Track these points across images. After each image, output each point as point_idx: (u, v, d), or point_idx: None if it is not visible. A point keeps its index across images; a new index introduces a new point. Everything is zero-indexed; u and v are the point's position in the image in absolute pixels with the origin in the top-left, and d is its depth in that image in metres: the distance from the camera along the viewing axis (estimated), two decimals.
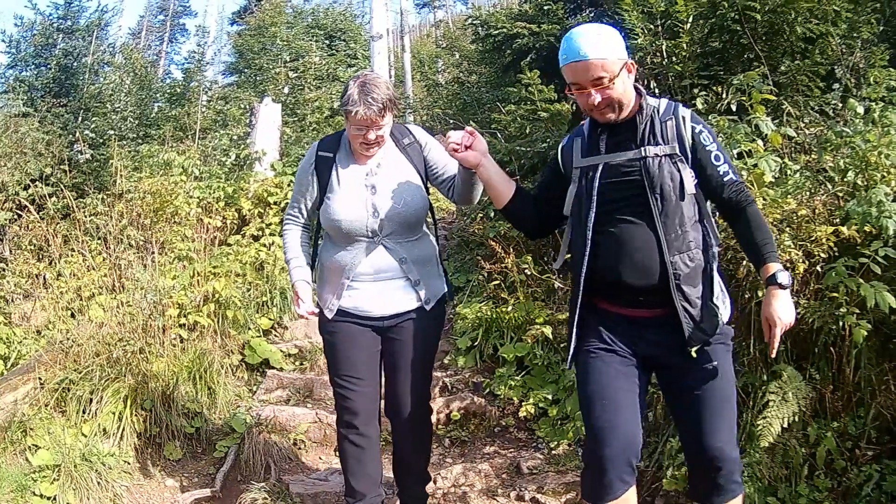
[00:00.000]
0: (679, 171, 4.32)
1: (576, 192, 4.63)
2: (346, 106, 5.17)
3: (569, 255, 4.92)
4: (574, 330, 4.68)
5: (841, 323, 5.70)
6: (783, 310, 4.21)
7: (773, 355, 4.33)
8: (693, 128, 4.41)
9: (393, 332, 5.65)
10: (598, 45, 4.23)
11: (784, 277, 4.22)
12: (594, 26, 4.37)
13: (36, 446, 7.05)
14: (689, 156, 4.39)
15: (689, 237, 4.33)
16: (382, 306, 5.56)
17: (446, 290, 5.92)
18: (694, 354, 4.39)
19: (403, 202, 5.46)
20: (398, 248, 5.52)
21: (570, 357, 4.76)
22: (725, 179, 4.38)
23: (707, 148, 4.39)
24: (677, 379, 4.55)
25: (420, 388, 5.90)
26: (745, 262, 5.96)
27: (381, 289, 5.54)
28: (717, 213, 4.74)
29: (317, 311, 5.59)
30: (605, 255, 4.46)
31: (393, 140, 5.63)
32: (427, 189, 5.72)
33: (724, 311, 4.46)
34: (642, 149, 4.38)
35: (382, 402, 5.99)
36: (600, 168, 4.48)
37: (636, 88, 4.48)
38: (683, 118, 4.42)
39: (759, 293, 5.87)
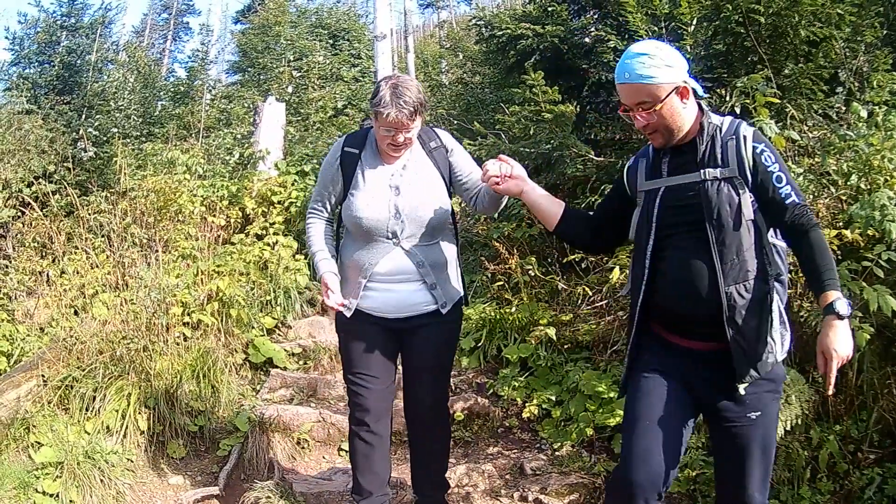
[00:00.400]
0: (738, 195, 4.19)
1: (638, 217, 4.60)
2: (378, 107, 5.17)
3: None
4: (629, 355, 4.66)
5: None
6: (841, 341, 3.98)
7: (830, 392, 4.16)
8: (754, 147, 4.23)
9: (411, 334, 5.66)
10: (645, 66, 4.16)
11: (843, 307, 3.98)
12: (651, 45, 4.28)
13: (39, 443, 7.05)
14: (750, 178, 4.22)
15: (746, 266, 4.19)
16: (399, 308, 5.56)
17: (463, 293, 5.91)
18: (742, 391, 4.25)
19: (426, 206, 5.47)
20: (417, 251, 5.52)
21: (622, 382, 4.73)
22: (788, 202, 4.15)
23: (769, 169, 4.19)
24: (722, 422, 4.44)
25: (438, 391, 5.95)
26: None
27: (398, 291, 5.54)
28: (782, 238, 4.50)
29: (347, 302, 5.54)
30: (663, 282, 4.42)
31: (419, 143, 5.63)
32: (450, 194, 5.72)
33: (781, 346, 4.32)
34: (702, 171, 4.27)
35: (399, 402, 6.03)
36: (661, 192, 4.42)
37: (699, 107, 4.39)
38: (745, 137, 4.26)
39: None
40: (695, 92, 4.30)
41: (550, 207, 4.96)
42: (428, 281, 5.56)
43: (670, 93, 4.17)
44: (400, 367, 5.97)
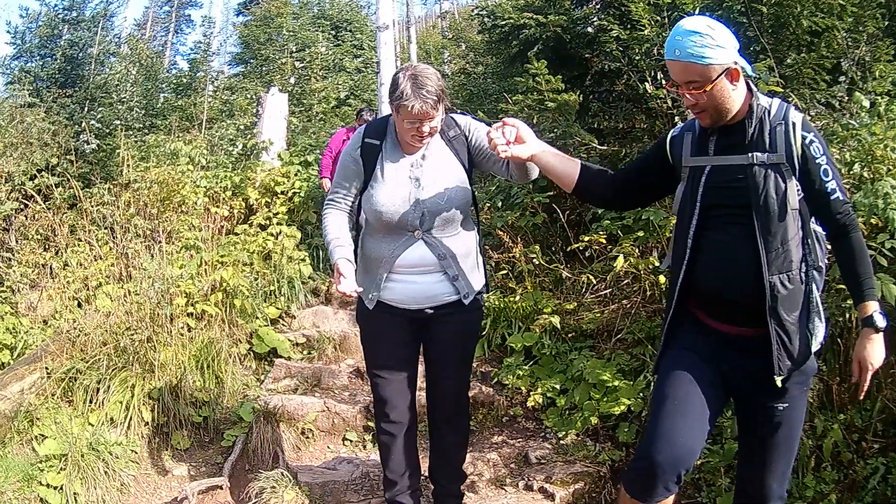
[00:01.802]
0: (785, 183, 4.08)
1: (682, 192, 4.49)
2: (401, 101, 5.08)
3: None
4: (664, 334, 4.60)
5: (847, 315, 5.72)
6: (876, 353, 4.03)
7: (861, 397, 4.23)
8: (804, 136, 4.10)
9: (432, 325, 5.64)
10: (697, 46, 4.03)
11: (880, 320, 3.98)
12: (703, 22, 4.10)
13: (43, 436, 7.06)
14: (797, 166, 4.11)
15: (791, 256, 4.09)
16: (420, 300, 5.53)
17: (485, 282, 5.88)
18: (779, 383, 4.14)
19: (446, 198, 5.42)
20: (438, 243, 5.48)
21: (657, 360, 4.67)
22: (833, 198, 4.05)
23: (817, 161, 4.07)
24: (750, 410, 4.43)
25: (459, 382, 5.93)
26: None
27: (420, 282, 5.51)
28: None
29: (360, 290, 5.42)
30: (704, 264, 4.34)
31: (438, 132, 5.56)
32: (471, 182, 5.65)
33: (818, 338, 4.26)
34: (750, 155, 4.15)
35: (420, 392, 6.00)
36: (707, 171, 4.32)
37: (748, 88, 4.25)
38: (794, 124, 4.13)
39: None
40: (745, 72, 4.20)
41: (566, 167, 4.80)
42: (450, 272, 5.53)
43: (721, 73, 4.06)
44: (421, 358, 5.95)
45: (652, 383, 5.74)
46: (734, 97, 4.17)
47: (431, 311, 5.57)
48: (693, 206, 4.31)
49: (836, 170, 4.09)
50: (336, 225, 5.60)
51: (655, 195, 5.19)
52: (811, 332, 4.18)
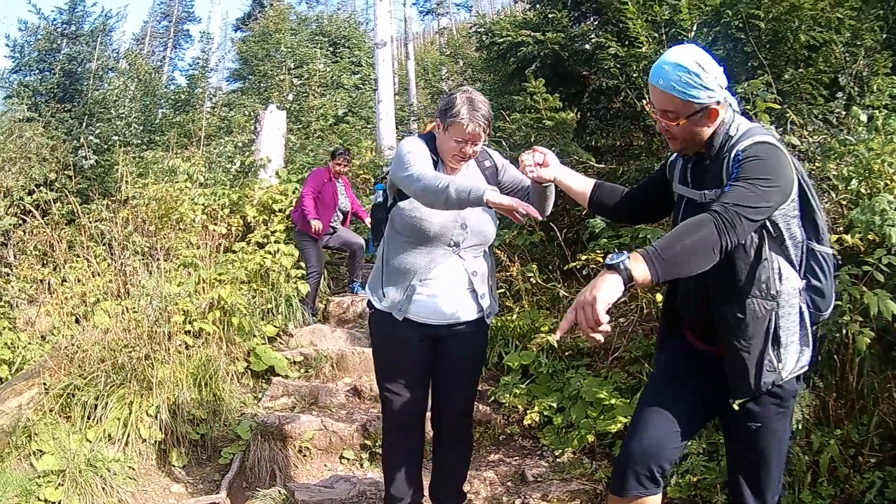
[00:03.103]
0: None
1: (672, 217, 4.62)
2: (456, 118, 5.22)
3: None
4: (656, 348, 4.79)
5: (844, 331, 5.72)
6: (590, 285, 3.57)
7: (557, 336, 3.96)
8: (735, 156, 3.99)
9: (447, 341, 5.68)
10: (681, 82, 4.01)
11: (611, 258, 3.62)
12: (693, 58, 4.04)
13: (41, 451, 7.07)
14: None
15: (740, 287, 4.06)
16: (445, 315, 5.58)
17: (497, 305, 6.00)
18: (735, 407, 4.21)
19: (487, 221, 5.59)
20: (472, 260, 5.59)
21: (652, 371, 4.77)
22: (719, 199, 3.82)
23: (733, 169, 3.95)
24: (726, 425, 4.52)
25: (468, 399, 5.99)
26: None
27: (448, 297, 5.57)
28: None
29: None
30: (680, 288, 4.51)
31: (475, 160, 5.70)
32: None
33: (790, 365, 4.16)
34: (702, 193, 4.22)
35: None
36: (684, 200, 4.43)
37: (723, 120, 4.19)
38: (737, 155, 3.98)
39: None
40: (729, 106, 4.19)
41: (583, 186, 5.04)
42: (478, 290, 5.64)
43: (698, 111, 4.07)
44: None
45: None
46: (706, 131, 4.20)
47: (449, 329, 5.63)
48: None
49: (758, 175, 3.87)
50: (436, 173, 5.17)
51: (662, 213, 5.22)
52: (779, 358, 4.12)
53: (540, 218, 4.97)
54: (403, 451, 5.84)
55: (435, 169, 5.43)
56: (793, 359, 4.14)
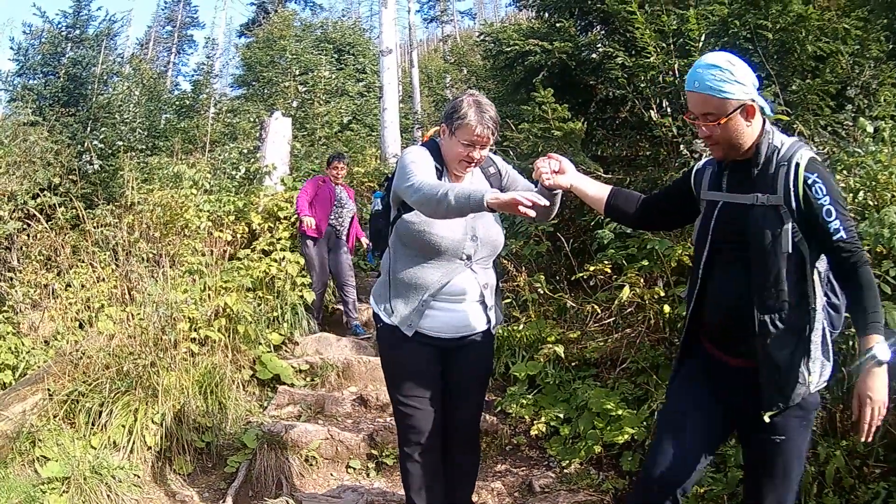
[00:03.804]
0: (780, 225, 4.11)
1: (699, 225, 4.62)
2: (463, 121, 5.20)
3: None
4: (675, 361, 4.74)
5: (851, 342, 5.71)
6: (878, 388, 3.92)
7: (864, 439, 4.03)
8: (806, 177, 4.09)
9: (456, 353, 5.66)
10: (716, 79, 4.13)
11: (883, 353, 3.89)
12: (724, 58, 4.23)
13: (45, 458, 7.04)
14: (796, 208, 4.11)
15: (784, 296, 4.11)
16: (458, 329, 5.55)
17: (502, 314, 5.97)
18: (767, 419, 4.20)
19: (496, 230, 5.56)
20: (483, 273, 5.57)
21: (668, 386, 4.79)
22: (836, 238, 4.03)
23: (819, 201, 4.05)
24: (748, 439, 4.49)
25: (477, 409, 5.99)
26: None
27: (460, 311, 5.53)
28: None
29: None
30: (709, 296, 4.46)
31: (479, 168, 5.66)
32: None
33: (816, 378, 4.24)
34: (754, 195, 4.22)
35: None
36: (719, 206, 4.43)
37: (763, 125, 4.31)
38: (797, 165, 4.14)
39: None
40: (762, 110, 4.26)
41: (597, 192, 5.07)
42: (488, 302, 5.62)
43: (736, 109, 4.15)
44: None
45: (656, 412, 5.79)
46: (748, 133, 4.24)
47: (458, 341, 5.60)
48: (705, 240, 4.42)
49: (842, 207, 4.08)
50: (437, 181, 5.17)
51: (677, 221, 5.34)
52: (809, 371, 4.18)
53: (545, 203, 4.90)
54: (426, 463, 5.77)
55: (439, 178, 5.41)
56: (818, 372, 4.19)
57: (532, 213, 4.60)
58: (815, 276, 4.20)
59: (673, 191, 4.99)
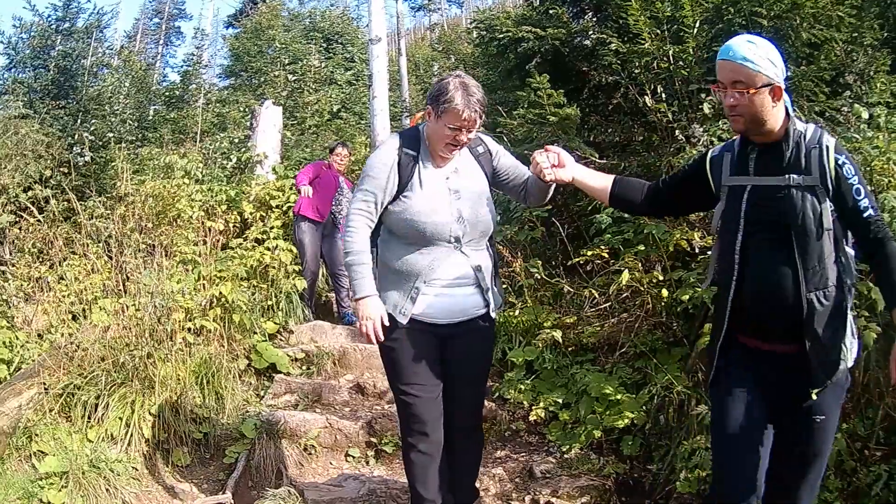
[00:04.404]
0: (820, 204, 4.19)
1: (723, 211, 4.59)
2: (450, 104, 5.18)
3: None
4: (716, 358, 4.65)
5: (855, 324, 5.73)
6: None
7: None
8: (836, 159, 4.23)
9: (456, 339, 5.62)
10: (751, 52, 4.19)
11: None
12: (761, 39, 4.31)
13: (42, 452, 7.02)
14: (831, 188, 4.22)
15: (827, 273, 4.20)
16: (454, 314, 5.52)
17: (502, 298, 5.94)
18: (814, 397, 4.25)
19: (484, 210, 5.50)
20: (474, 255, 5.53)
21: (709, 382, 4.73)
22: (866, 215, 4.17)
23: (849, 181, 4.20)
24: (788, 424, 4.45)
25: (479, 397, 6.00)
26: None
27: (455, 295, 5.50)
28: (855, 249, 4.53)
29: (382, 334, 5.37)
30: (749, 282, 4.40)
31: (467, 148, 5.63)
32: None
33: (851, 354, 4.35)
34: (787, 176, 4.27)
35: None
36: (748, 190, 4.43)
37: (786, 112, 4.37)
38: (827, 147, 4.26)
39: None
40: (785, 97, 4.31)
41: (600, 183, 5.10)
42: (483, 285, 5.56)
43: (765, 84, 4.18)
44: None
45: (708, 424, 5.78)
46: (772, 113, 4.28)
47: (456, 327, 5.55)
48: (737, 225, 4.41)
49: (866, 187, 4.19)
50: (364, 243, 5.46)
51: (688, 208, 5.53)
52: (846, 347, 4.25)
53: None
54: (431, 453, 5.75)
55: (413, 167, 5.46)
56: (852, 349, 4.28)
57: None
58: (847, 253, 4.28)
59: (685, 178, 4.98)
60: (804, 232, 4.16)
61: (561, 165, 5.06)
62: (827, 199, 4.18)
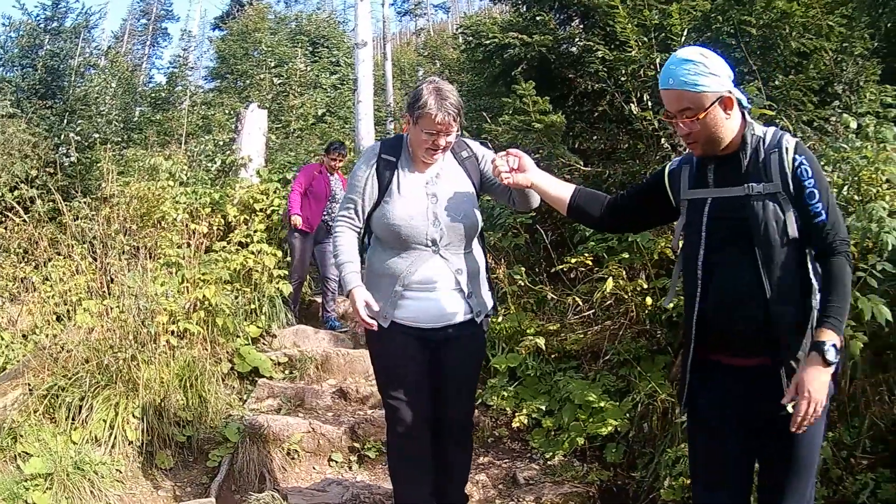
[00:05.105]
0: (783, 212, 4.06)
1: (684, 225, 4.51)
2: (423, 110, 5.22)
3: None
4: (687, 376, 4.52)
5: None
6: (817, 385, 3.87)
7: (793, 429, 3.97)
8: (795, 160, 4.08)
9: (443, 345, 5.62)
10: (690, 74, 4.08)
11: (831, 354, 3.84)
12: (696, 51, 4.18)
13: (27, 454, 7.00)
14: (792, 191, 4.08)
15: (794, 284, 4.08)
16: (435, 318, 5.52)
17: (492, 304, 5.93)
18: (790, 409, 4.04)
19: (463, 214, 5.49)
20: (454, 258, 5.53)
21: (683, 402, 4.63)
22: (816, 221, 4.03)
23: (804, 183, 4.04)
24: (768, 437, 4.34)
25: (468, 403, 5.99)
26: None
27: (435, 299, 5.51)
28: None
29: (378, 320, 5.46)
30: (714, 296, 4.29)
31: (451, 152, 5.65)
32: (480, 203, 5.77)
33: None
34: (746, 185, 4.15)
35: None
36: (708, 202, 4.32)
37: (743, 117, 4.27)
38: (787, 149, 4.11)
39: None
40: (739, 103, 4.22)
41: (560, 192, 4.99)
42: (465, 289, 5.56)
43: (714, 102, 4.08)
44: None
45: (634, 407, 5.75)
46: (727, 126, 4.20)
47: (443, 332, 5.56)
48: (698, 241, 4.32)
49: (826, 193, 4.08)
50: (350, 245, 5.61)
51: (648, 223, 5.37)
52: None
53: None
54: (413, 457, 5.76)
55: (392, 172, 5.56)
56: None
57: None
58: (809, 262, 4.17)
59: (644, 192, 4.91)
60: (767, 242, 4.06)
61: (522, 170, 4.99)
62: (791, 206, 4.07)
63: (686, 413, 4.70)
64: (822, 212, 4.01)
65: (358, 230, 5.67)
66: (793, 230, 4.04)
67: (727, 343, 4.31)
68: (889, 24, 10.99)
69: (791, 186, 4.07)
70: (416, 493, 5.82)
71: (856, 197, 6.42)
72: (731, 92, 4.13)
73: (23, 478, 6.79)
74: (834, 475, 5.96)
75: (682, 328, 5.07)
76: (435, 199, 5.46)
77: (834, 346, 3.85)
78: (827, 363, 3.84)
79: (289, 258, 13.13)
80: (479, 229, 5.76)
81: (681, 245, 4.66)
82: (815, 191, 4.02)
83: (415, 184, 5.51)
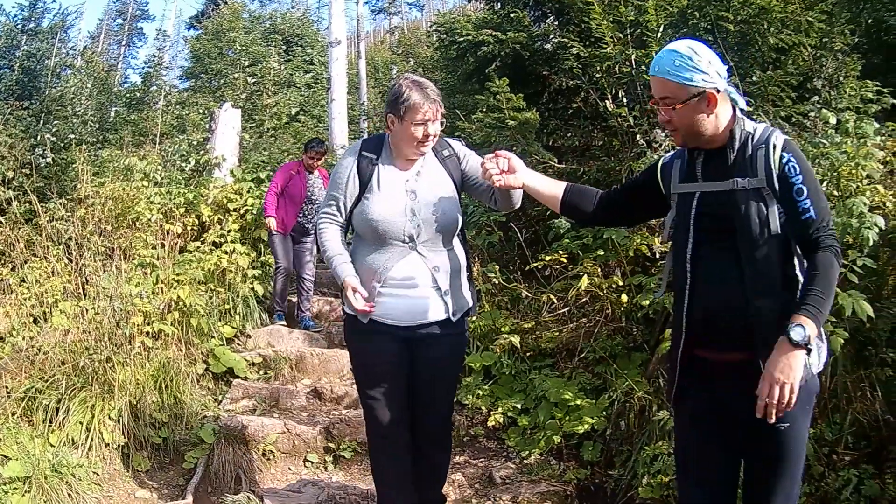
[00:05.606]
0: (766, 208, 4.07)
1: (674, 219, 4.53)
2: (408, 102, 5.25)
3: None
4: (677, 374, 4.51)
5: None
6: (781, 367, 3.85)
7: (758, 415, 3.98)
8: (782, 156, 4.08)
9: (420, 344, 5.62)
10: (674, 64, 4.12)
11: (797, 333, 3.80)
12: (687, 45, 4.20)
13: (5, 457, 6.96)
14: (777, 189, 4.08)
15: (775, 279, 4.09)
16: (411, 315, 5.52)
17: (472, 304, 5.91)
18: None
19: (441, 211, 5.49)
20: (432, 255, 5.53)
21: (672, 398, 4.63)
22: (804, 217, 4.01)
23: (791, 180, 4.04)
24: (753, 433, 4.30)
25: (447, 404, 5.98)
26: None
27: (411, 296, 5.51)
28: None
29: (371, 307, 5.45)
30: (700, 291, 4.31)
31: (433, 151, 5.66)
32: (461, 202, 5.76)
33: (820, 359, 4.17)
34: (732, 180, 4.17)
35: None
36: (697, 196, 4.34)
37: (734, 113, 4.28)
38: (774, 146, 4.12)
39: None
40: (734, 102, 4.24)
41: (551, 190, 5.00)
42: (442, 287, 5.55)
43: (694, 96, 4.11)
44: None
45: (611, 404, 5.75)
46: (709, 122, 4.20)
47: (420, 331, 5.56)
48: (686, 233, 4.33)
49: (815, 189, 4.07)
50: (336, 240, 5.65)
51: (641, 217, 5.53)
52: (809, 353, 4.03)
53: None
54: (397, 457, 5.78)
55: (373, 167, 5.60)
56: (815, 353, 4.10)
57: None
58: (796, 258, 4.17)
59: (637, 185, 4.94)
60: (749, 237, 4.08)
61: (511, 171, 4.94)
62: (774, 202, 4.09)
63: (674, 410, 4.71)
64: (810, 208, 4.01)
65: (341, 226, 5.69)
66: (775, 225, 4.05)
67: (713, 338, 4.32)
68: (869, 20, 11.02)
69: (776, 183, 4.07)
70: (397, 492, 5.84)
71: (835, 192, 6.43)
72: (718, 90, 4.15)
73: (1, 481, 6.76)
74: (816, 472, 5.97)
75: (670, 324, 5.05)
76: (414, 195, 5.47)
77: (801, 326, 3.83)
78: (792, 343, 3.82)
79: (265, 258, 13.11)
80: (460, 227, 5.75)
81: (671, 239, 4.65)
82: (803, 187, 4.03)
83: (395, 181, 5.52)
